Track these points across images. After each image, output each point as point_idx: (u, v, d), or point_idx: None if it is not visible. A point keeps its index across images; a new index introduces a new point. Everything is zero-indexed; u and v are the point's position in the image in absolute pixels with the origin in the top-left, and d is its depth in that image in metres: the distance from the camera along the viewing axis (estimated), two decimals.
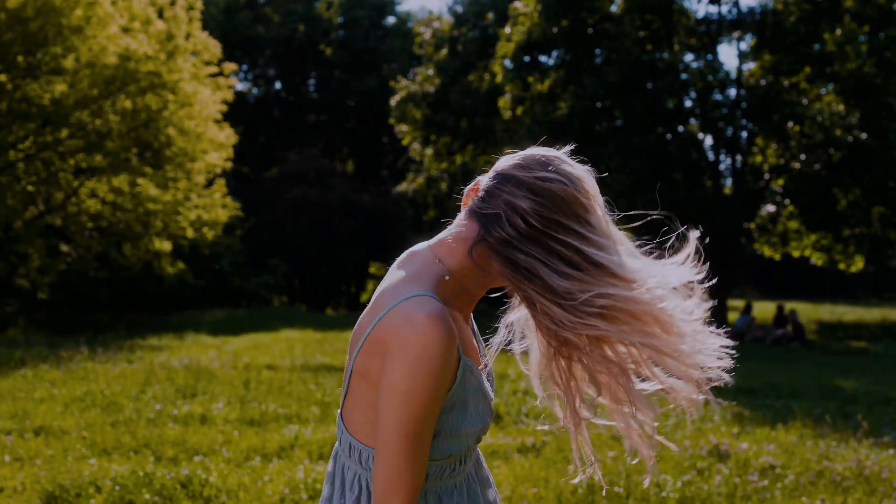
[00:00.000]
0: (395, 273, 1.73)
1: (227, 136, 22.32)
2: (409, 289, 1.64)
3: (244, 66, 44.19)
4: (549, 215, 1.63)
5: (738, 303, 30.42)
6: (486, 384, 1.78)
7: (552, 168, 1.68)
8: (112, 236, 22.36)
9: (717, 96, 23.42)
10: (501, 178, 1.69)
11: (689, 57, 24.83)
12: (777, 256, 25.97)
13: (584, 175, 1.71)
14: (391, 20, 46.80)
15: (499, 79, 25.08)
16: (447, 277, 1.70)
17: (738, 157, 23.94)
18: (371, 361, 1.63)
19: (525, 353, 1.85)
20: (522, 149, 1.79)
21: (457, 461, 1.75)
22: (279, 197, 36.09)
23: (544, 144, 1.81)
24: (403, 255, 1.80)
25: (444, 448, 1.70)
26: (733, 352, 1.73)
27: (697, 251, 1.75)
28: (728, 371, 1.73)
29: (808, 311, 30.27)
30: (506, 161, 1.75)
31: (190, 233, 22.21)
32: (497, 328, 1.87)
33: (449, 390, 1.65)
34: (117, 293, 27.62)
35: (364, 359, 1.65)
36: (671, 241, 1.78)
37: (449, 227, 1.77)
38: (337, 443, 1.81)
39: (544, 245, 1.63)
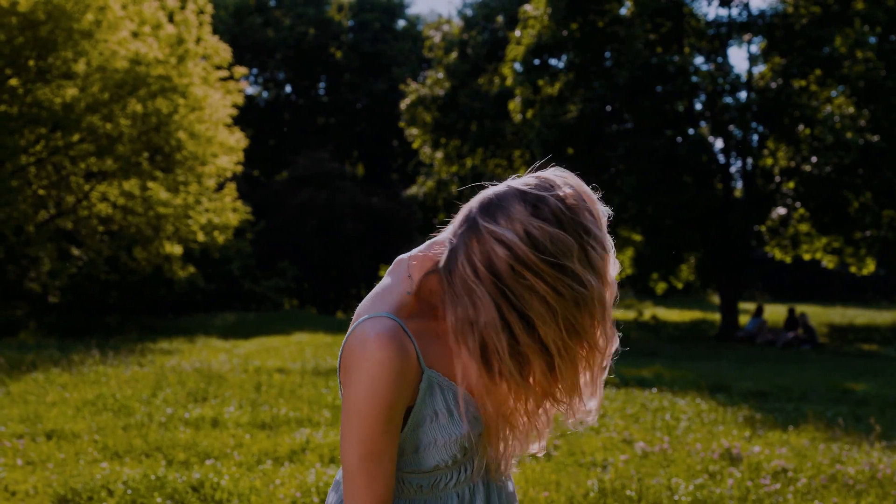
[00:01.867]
0: (377, 285, 1.73)
1: (237, 139, 22.37)
2: (373, 307, 1.64)
3: (254, 70, 44.31)
4: (481, 281, 1.54)
5: (749, 305, 30.36)
6: (462, 391, 1.65)
7: (522, 221, 1.53)
8: (123, 240, 22.40)
9: (728, 99, 23.38)
10: (466, 218, 1.59)
11: (699, 59, 24.79)
12: (788, 259, 25.88)
13: (571, 236, 1.53)
14: (401, 23, 46.89)
15: (509, 82, 25.05)
16: (408, 294, 1.67)
17: (749, 160, 23.87)
18: (342, 379, 1.64)
19: None
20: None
21: (453, 471, 1.72)
22: (288, 200, 36.14)
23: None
24: (393, 263, 1.77)
25: (427, 461, 1.68)
26: None
27: None
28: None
29: (819, 314, 30.17)
30: (479, 198, 1.61)
31: (200, 236, 22.25)
32: None
33: (412, 406, 1.64)
34: (128, 296, 27.67)
35: (340, 376, 1.66)
36: None
37: (439, 235, 1.70)
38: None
39: (465, 307, 1.57)
